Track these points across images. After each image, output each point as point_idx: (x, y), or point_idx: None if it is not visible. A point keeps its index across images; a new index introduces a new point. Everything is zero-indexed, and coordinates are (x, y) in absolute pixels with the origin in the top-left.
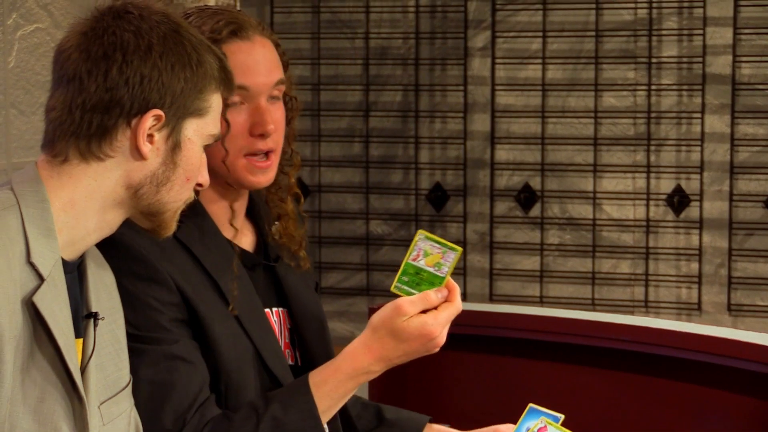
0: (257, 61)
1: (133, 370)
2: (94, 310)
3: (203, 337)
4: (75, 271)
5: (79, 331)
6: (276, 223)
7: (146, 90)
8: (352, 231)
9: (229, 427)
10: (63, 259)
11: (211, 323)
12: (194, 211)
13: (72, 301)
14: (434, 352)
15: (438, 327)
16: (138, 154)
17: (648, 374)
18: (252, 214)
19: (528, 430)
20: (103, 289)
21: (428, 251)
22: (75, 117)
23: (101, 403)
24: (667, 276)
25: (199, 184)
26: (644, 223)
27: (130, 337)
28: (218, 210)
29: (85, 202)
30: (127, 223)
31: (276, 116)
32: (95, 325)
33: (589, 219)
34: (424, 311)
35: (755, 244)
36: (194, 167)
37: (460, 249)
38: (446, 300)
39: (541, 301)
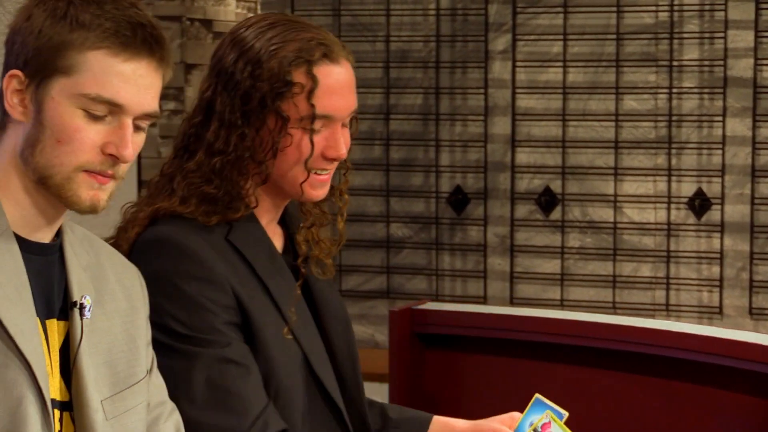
0: (343, 88)
1: (185, 373)
2: (88, 299)
3: (255, 341)
4: (54, 253)
5: (64, 314)
6: (302, 227)
7: (15, 52)
8: (372, 234)
9: None
10: (33, 241)
11: (263, 327)
12: (245, 216)
13: (44, 281)
14: None
15: None
16: (11, 117)
17: (669, 378)
18: (282, 218)
19: (532, 424)
20: (120, 289)
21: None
22: None
23: (104, 399)
24: (689, 279)
25: (114, 156)
26: (665, 227)
27: (182, 338)
28: (266, 216)
29: (4, 177)
30: (182, 224)
31: (347, 140)
32: (81, 315)
33: (610, 222)
34: None
35: None
36: (64, 129)
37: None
38: None
39: (562, 304)
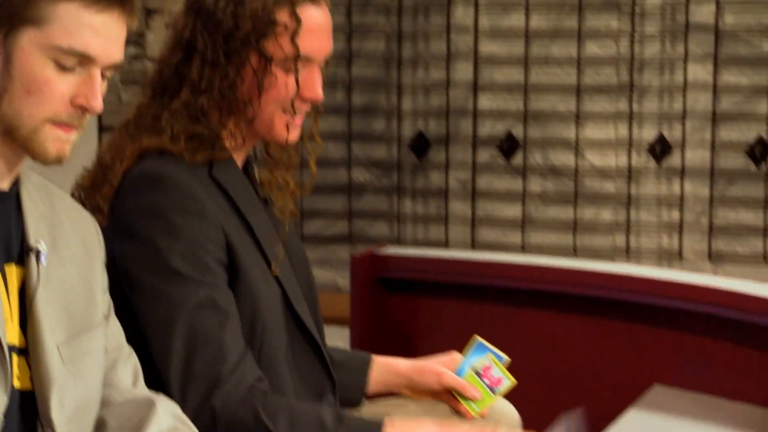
0: (323, 31)
1: (168, 319)
2: (44, 246)
3: (240, 279)
4: (12, 200)
5: (22, 260)
6: (264, 170)
7: None
8: (334, 179)
9: (292, 419)
10: None
11: (248, 265)
12: (224, 155)
13: (2, 227)
14: None
15: None
16: None
17: (629, 321)
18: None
19: (472, 367)
20: (76, 237)
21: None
22: None
23: (61, 343)
24: (649, 223)
25: (83, 107)
26: (626, 172)
27: (172, 276)
28: (238, 157)
29: None
30: (170, 160)
31: (321, 83)
32: (38, 261)
33: (571, 167)
34: None
35: (736, 192)
36: (34, 80)
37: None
38: None
39: (523, 248)
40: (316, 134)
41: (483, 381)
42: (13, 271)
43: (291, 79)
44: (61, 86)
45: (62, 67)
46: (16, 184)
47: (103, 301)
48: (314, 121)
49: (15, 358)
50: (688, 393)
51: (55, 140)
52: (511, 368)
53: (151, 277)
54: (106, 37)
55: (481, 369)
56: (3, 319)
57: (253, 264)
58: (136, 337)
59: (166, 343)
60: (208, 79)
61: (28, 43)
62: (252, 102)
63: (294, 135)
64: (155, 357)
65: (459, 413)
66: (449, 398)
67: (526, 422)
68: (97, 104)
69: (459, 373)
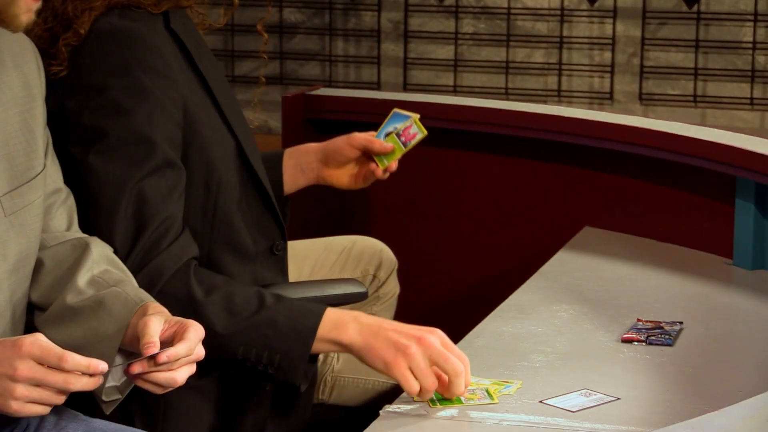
0: None
1: (120, 176)
2: None
3: (196, 139)
4: None
5: None
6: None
7: None
8: None
9: (231, 294)
10: None
11: (202, 125)
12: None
13: None
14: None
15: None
16: None
17: (560, 163)
18: None
19: (395, 128)
20: (17, 76)
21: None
22: None
23: (2, 194)
24: (581, 65)
25: None
26: (559, 12)
27: (131, 135)
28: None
29: None
30: (135, 16)
31: None
32: None
33: (504, 8)
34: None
35: (668, 33)
36: None
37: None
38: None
39: (455, 90)
40: None
41: (400, 139)
42: None
43: None
44: None
45: None
46: None
47: (43, 141)
48: None
49: None
50: (619, 234)
51: (26, 11)
52: (443, 209)
53: (111, 136)
54: None
55: (402, 129)
56: None
57: (206, 121)
58: (81, 192)
59: (114, 206)
60: None
61: None
62: None
63: None
64: (101, 216)
65: (373, 174)
66: (364, 162)
67: (461, 258)
68: None
69: (378, 137)
